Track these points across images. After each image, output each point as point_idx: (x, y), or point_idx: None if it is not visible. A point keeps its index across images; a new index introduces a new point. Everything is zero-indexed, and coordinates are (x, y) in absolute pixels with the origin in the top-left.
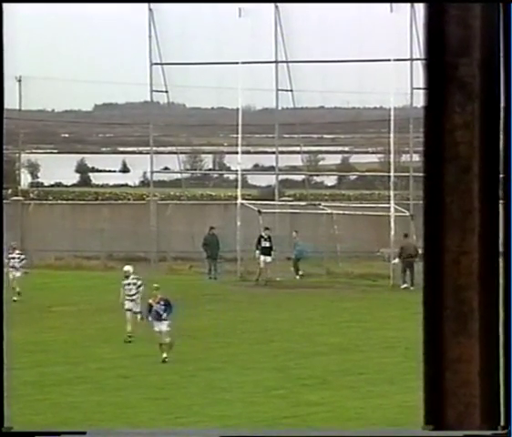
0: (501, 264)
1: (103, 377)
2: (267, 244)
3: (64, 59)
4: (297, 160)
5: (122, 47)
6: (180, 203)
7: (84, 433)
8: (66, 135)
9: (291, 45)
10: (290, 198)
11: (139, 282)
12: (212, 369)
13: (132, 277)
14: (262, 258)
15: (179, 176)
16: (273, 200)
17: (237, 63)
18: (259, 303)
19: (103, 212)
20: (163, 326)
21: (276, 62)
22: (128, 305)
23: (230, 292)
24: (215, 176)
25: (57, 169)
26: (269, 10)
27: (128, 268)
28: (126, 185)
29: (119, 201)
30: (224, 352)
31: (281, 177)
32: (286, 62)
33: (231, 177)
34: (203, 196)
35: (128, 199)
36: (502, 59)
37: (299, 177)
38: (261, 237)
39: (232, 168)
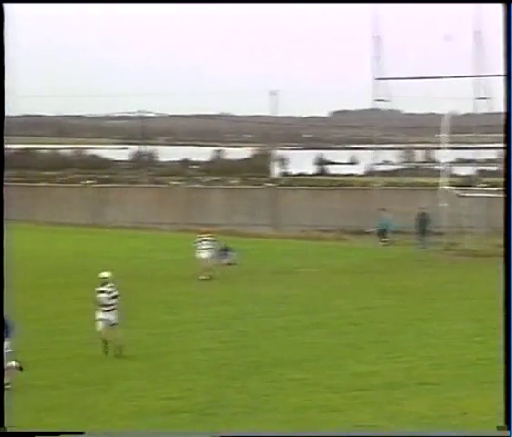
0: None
1: (336, 324)
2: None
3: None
4: (491, 154)
5: (349, 67)
6: (397, 189)
7: (82, 433)
8: (309, 135)
9: (487, 64)
10: (485, 185)
11: (115, 292)
12: (422, 319)
13: (109, 284)
14: None
15: (396, 167)
16: (472, 187)
17: (443, 77)
18: (459, 268)
19: (336, 196)
20: None
21: (474, 76)
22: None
23: (435, 259)
24: (425, 167)
25: (301, 162)
26: (469, 37)
27: (105, 274)
28: (353, 174)
29: (349, 187)
30: (431, 306)
31: (478, 168)
32: (483, 76)
33: (438, 168)
34: (416, 183)
35: (355, 186)
36: (502, 59)
37: (493, 168)
38: None
39: (439, 161)
